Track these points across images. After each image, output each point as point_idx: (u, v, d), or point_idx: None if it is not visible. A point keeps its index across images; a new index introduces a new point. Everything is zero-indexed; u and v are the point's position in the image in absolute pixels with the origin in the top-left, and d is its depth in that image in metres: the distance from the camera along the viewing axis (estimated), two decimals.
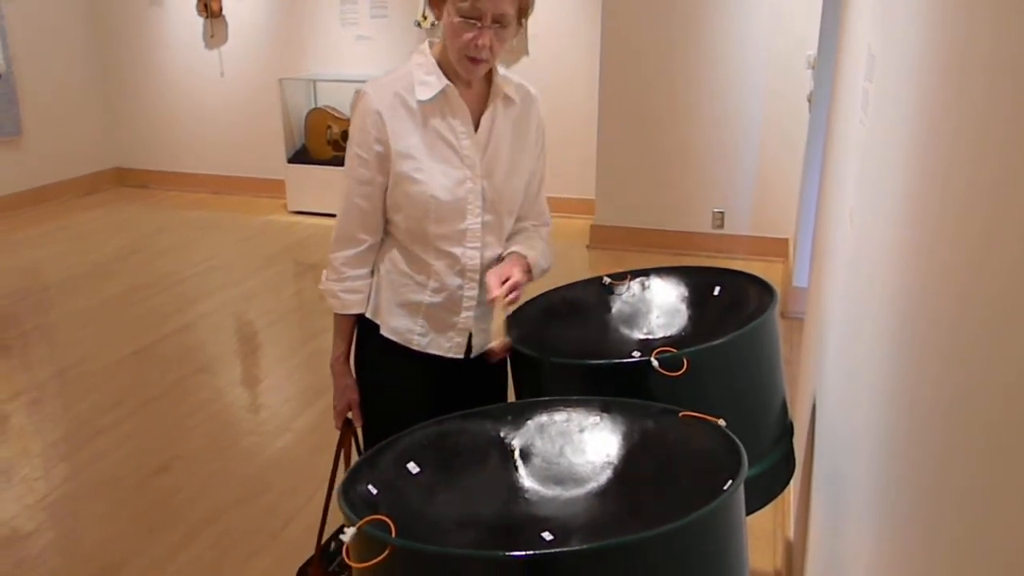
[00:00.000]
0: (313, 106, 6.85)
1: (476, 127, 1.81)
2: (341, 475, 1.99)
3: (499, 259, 1.88)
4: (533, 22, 6.25)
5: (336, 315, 1.91)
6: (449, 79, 1.76)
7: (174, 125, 7.45)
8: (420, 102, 1.76)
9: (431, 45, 1.81)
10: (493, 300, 1.73)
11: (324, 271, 1.90)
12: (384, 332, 1.88)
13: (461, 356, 1.90)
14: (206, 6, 6.91)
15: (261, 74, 6.99)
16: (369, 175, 1.79)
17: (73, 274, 5.46)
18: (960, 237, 0.76)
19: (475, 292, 1.86)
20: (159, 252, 5.97)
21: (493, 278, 1.76)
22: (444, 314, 1.86)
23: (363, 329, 1.93)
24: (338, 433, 2.05)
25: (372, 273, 1.90)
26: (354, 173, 1.81)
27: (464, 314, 1.87)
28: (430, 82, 1.76)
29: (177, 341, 4.48)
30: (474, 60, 1.71)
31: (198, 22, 7.07)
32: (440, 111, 1.78)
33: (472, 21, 1.66)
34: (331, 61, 6.85)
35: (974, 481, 0.66)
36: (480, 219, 1.82)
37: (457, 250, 1.82)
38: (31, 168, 6.94)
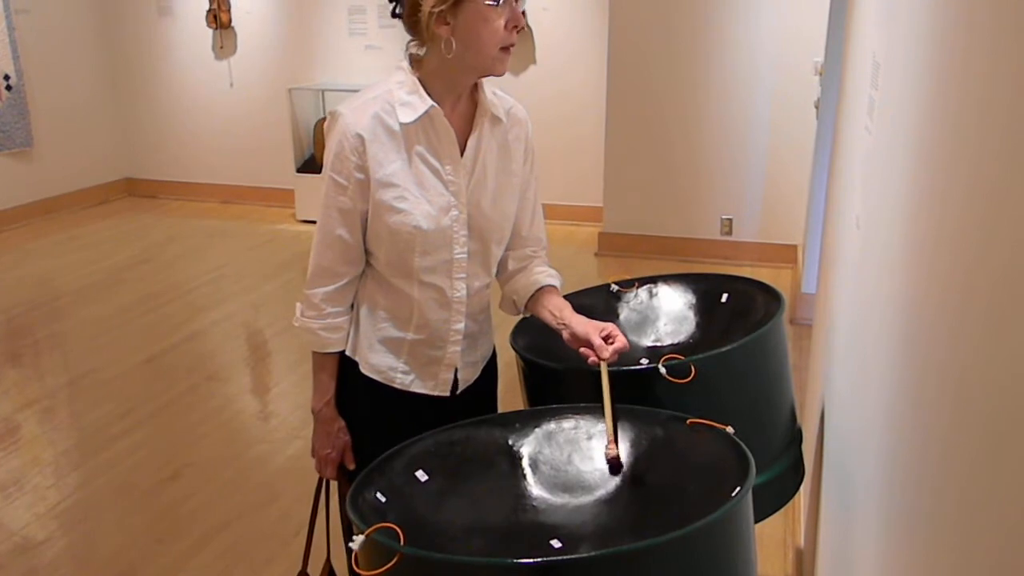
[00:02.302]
0: (322, 116, 6.88)
1: (462, 151, 1.68)
2: (319, 529, 1.93)
3: (487, 288, 1.80)
4: (540, 31, 6.28)
5: (316, 354, 1.77)
6: (433, 99, 1.63)
7: (184, 135, 7.49)
8: (403, 125, 1.62)
9: (412, 60, 1.67)
10: (597, 361, 1.55)
11: (299, 306, 1.75)
12: (364, 370, 1.76)
13: (447, 394, 1.80)
14: (215, 17, 6.96)
15: (270, 84, 7.04)
16: (351, 204, 1.65)
17: (84, 284, 5.49)
18: (961, 242, 0.76)
19: (461, 325, 1.75)
20: (169, 261, 6.00)
21: (595, 336, 1.58)
22: (429, 350, 1.76)
23: (341, 366, 1.80)
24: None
25: (352, 307, 1.77)
26: (334, 202, 1.66)
27: (451, 349, 1.76)
28: (413, 103, 1.62)
29: (187, 349, 4.51)
30: (509, 49, 1.59)
31: (207, 33, 7.12)
32: (424, 134, 1.64)
33: (507, 1, 1.54)
34: (340, 71, 6.89)
35: (977, 484, 0.66)
36: (467, 248, 1.71)
37: (444, 282, 1.71)
38: (42, 179, 6.99)
